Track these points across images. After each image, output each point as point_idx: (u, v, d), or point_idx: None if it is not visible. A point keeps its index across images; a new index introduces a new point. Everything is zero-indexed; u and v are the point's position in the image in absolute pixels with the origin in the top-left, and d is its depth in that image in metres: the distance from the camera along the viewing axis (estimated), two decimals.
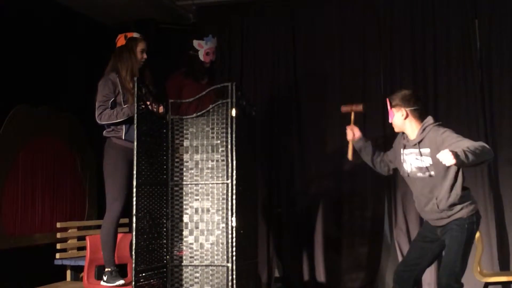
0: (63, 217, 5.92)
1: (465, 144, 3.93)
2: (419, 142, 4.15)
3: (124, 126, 4.58)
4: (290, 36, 6.48)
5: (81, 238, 5.71)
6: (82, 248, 5.65)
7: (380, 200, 6.13)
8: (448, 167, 4.01)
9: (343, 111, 4.60)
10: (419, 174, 4.18)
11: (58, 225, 5.67)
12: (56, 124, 5.96)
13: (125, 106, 4.57)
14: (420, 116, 4.24)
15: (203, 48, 5.21)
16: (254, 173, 4.87)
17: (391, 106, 4.27)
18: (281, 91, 6.46)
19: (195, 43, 5.22)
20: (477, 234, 5.17)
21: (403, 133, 4.31)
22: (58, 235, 5.62)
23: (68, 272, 5.64)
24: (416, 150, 4.16)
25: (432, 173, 4.11)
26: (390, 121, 4.33)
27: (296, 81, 6.43)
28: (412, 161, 4.20)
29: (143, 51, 4.76)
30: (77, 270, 5.61)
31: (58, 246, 5.59)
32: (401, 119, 4.23)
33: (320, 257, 6.13)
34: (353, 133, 4.51)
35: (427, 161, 4.12)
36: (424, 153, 4.12)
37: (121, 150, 4.58)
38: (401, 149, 4.29)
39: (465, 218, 4.08)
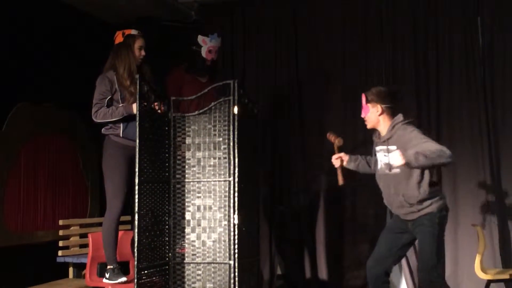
0: (65, 214, 5.92)
1: (429, 146, 4.02)
2: (388, 139, 4.22)
3: (122, 123, 4.58)
4: (292, 34, 6.47)
5: (83, 236, 5.71)
6: (84, 246, 5.65)
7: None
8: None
9: (328, 137, 4.61)
10: (387, 171, 4.25)
11: (61, 222, 5.67)
12: (58, 122, 5.96)
13: (121, 105, 4.56)
14: (393, 114, 4.30)
15: (206, 45, 5.20)
16: (256, 171, 4.86)
17: (367, 101, 4.31)
18: (283, 89, 6.46)
19: (200, 38, 5.21)
20: (479, 231, 5.18)
21: (375, 130, 4.36)
22: (61, 232, 5.62)
23: (70, 270, 5.64)
24: (385, 147, 4.24)
25: (398, 170, 4.17)
26: (363, 115, 4.36)
27: (298, 78, 6.43)
28: (381, 157, 4.29)
29: (141, 48, 4.73)
30: (79, 268, 5.62)
31: (61, 243, 5.60)
32: (375, 115, 4.29)
33: (322, 254, 6.13)
34: (340, 159, 4.52)
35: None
36: (391, 150, 4.18)
37: (119, 147, 4.58)
38: (374, 146, 4.37)
39: (435, 213, 4.14)
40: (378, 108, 4.26)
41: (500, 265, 5.64)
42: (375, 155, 4.39)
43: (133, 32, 4.78)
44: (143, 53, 4.74)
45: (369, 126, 4.38)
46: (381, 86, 4.49)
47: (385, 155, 4.25)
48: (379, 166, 4.32)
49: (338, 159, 4.51)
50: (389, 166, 4.20)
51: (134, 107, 4.37)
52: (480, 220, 5.64)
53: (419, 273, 4.28)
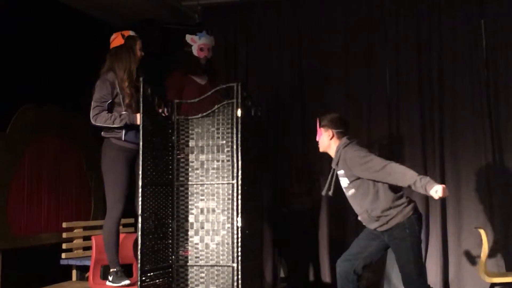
0: (69, 217, 5.92)
1: (374, 165, 4.16)
2: (336, 164, 4.38)
3: (124, 128, 4.53)
4: (296, 35, 6.47)
5: (87, 238, 5.71)
6: (88, 248, 5.66)
7: None
8: (364, 185, 4.22)
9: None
10: (347, 193, 4.39)
11: (64, 225, 5.68)
12: (62, 124, 5.96)
13: (124, 113, 4.50)
14: (341, 138, 4.43)
15: (196, 43, 5.20)
16: (259, 173, 4.86)
17: (320, 126, 4.48)
18: (286, 91, 6.46)
19: (188, 37, 5.21)
20: (483, 234, 5.17)
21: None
22: (64, 235, 5.63)
23: (74, 272, 5.65)
24: (338, 171, 4.41)
25: (352, 191, 4.31)
26: (317, 139, 4.53)
27: (301, 80, 6.43)
28: (340, 180, 4.44)
29: (141, 49, 4.72)
30: (83, 270, 5.62)
31: (64, 246, 5.60)
32: (327, 139, 4.45)
33: (325, 257, 6.13)
34: None
35: (345, 182, 4.34)
36: (341, 174, 4.37)
37: (120, 150, 4.56)
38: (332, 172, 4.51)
39: (403, 222, 4.18)
40: (330, 132, 4.43)
41: (504, 268, 5.62)
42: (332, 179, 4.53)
43: (132, 33, 4.75)
44: (142, 53, 4.72)
45: (321, 149, 4.55)
46: (333, 112, 4.63)
47: (340, 179, 4.41)
48: (343, 189, 4.45)
49: None
50: (346, 189, 4.36)
51: (139, 118, 4.34)
52: (484, 223, 5.62)
53: (404, 286, 4.29)
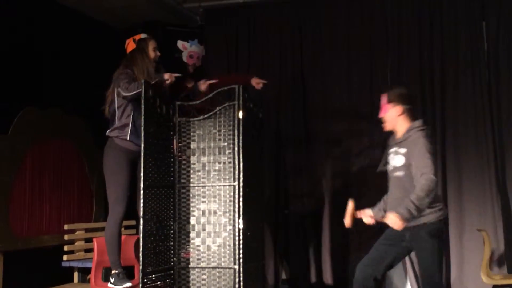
0: (71, 219, 5.93)
1: (426, 164, 3.98)
2: (401, 142, 4.21)
3: (130, 126, 4.56)
4: (297, 36, 6.48)
5: (89, 240, 5.72)
6: (90, 250, 5.66)
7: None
8: (410, 171, 4.07)
9: (350, 224, 4.49)
10: (394, 173, 4.24)
11: (66, 227, 5.68)
12: (64, 126, 5.97)
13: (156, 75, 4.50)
14: (411, 116, 4.28)
15: (186, 50, 5.21)
16: (261, 175, 4.87)
17: (388, 101, 4.30)
18: (288, 91, 6.46)
19: (179, 43, 5.21)
20: (485, 236, 5.17)
21: (391, 133, 4.36)
22: (66, 237, 5.64)
23: (76, 274, 5.65)
24: (395, 148, 4.24)
25: (401, 173, 4.16)
26: (381, 115, 4.35)
27: (303, 81, 6.43)
28: (391, 158, 4.27)
29: (155, 49, 4.71)
30: (85, 272, 5.62)
31: (66, 248, 5.60)
32: (395, 115, 4.27)
33: (328, 259, 6.12)
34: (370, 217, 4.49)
35: (400, 161, 4.17)
36: (400, 152, 4.18)
37: (123, 151, 4.56)
38: (388, 149, 4.37)
39: (433, 223, 4.10)
40: (399, 108, 4.25)
41: (506, 270, 5.62)
42: (387, 157, 4.36)
43: (143, 35, 4.77)
44: (158, 53, 4.72)
45: (388, 127, 4.35)
46: (401, 87, 4.45)
47: (394, 156, 4.24)
48: (389, 168, 4.31)
49: (368, 218, 4.48)
50: (396, 168, 4.19)
51: (166, 76, 4.45)
52: (486, 225, 5.62)
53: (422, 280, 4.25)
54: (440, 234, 4.15)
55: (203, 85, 4.97)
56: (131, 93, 4.45)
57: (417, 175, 4.01)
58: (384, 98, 4.33)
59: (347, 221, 4.38)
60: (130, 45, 4.72)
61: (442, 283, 4.19)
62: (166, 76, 4.54)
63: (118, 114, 4.59)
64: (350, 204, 4.38)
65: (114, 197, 4.52)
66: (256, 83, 5.27)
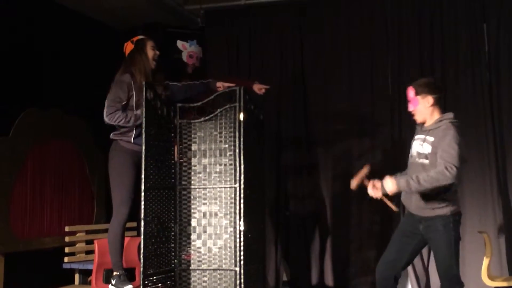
0: (72, 220, 5.94)
1: (451, 156, 3.98)
2: (430, 130, 4.17)
3: (135, 130, 4.54)
4: (298, 37, 6.48)
5: (90, 242, 5.72)
6: (91, 252, 5.66)
7: None
8: (435, 161, 4.04)
9: (355, 187, 4.47)
10: (417, 160, 4.20)
11: (67, 228, 5.68)
12: (65, 127, 5.98)
13: (138, 115, 4.47)
14: (441, 106, 4.25)
15: (186, 49, 5.21)
16: (262, 177, 4.86)
17: (416, 94, 4.23)
18: (289, 92, 6.46)
19: (179, 43, 5.21)
20: (486, 238, 5.16)
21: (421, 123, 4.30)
22: (67, 238, 5.63)
23: (77, 276, 5.65)
24: (423, 136, 4.19)
25: (427, 161, 4.12)
26: (411, 109, 4.28)
27: (303, 82, 6.43)
28: (416, 145, 4.23)
29: (154, 48, 4.71)
30: (86, 274, 5.62)
31: (67, 249, 5.60)
32: (426, 106, 4.21)
33: (328, 261, 6.12)
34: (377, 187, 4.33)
35: (427, 148, 4.14)
36: (428, 140, 4.14)
37: (128, 153, 4.55)
38: (414, 135, 4.32)
39: (449, 216, 4.08)
40: (429, 99, 4.20)
41: (507, 272, 5.61)
42: (412, 143, 4.32)
43: (141, 36, 4.77)
44: (157, 52, 4.71)
45: (419, 119, 4.28)
46: (427, 77, 4.41)
47: (420, 144, 4.20)
48: (410, 153, 4.28)
49: (375, 190, 4.33)
50: (421, 156, 4.16)
51: (218, 84, 4.60)
52: (487, 227, 5.61)
53: (440, 282, 4.18)
54: (457, 227, 4.11)
55: (220, 85, 4.94)
56: (110, 123, 4.52)
57: (441, 164, 3.98)
58: (411, 91, 4.27)
59: (353, 184, 4.39)
60: (129, 47, 4.73)
61: (459, 276, 4.11)
62: (218, 84, 4.63)
63: None
64: (364, 169, 4.38)
65: (119, 199, 4.50)
66: (259, 88, 5.27)
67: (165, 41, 6.70)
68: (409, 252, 4.28)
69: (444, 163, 3.97)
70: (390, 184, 4.03)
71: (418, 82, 4.28)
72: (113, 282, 4.52)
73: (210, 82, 4.92)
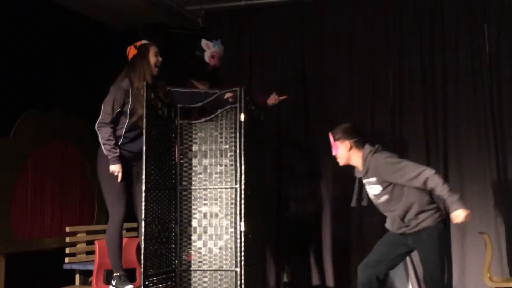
0: (72, 221, 5.94)
1: (409, 172, 4.13)
2: (366, 173, 4.33)
3: (122, 138, 4.53)
4: (299, 39, 6.47)
5: (90, 243, 5.72)
6: (91, 253, 5.66)
7: None
8: (398, 190, 4.21)
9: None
10: (378, 201, 4.35)
11: (67, 229, 5.68)
12: (66, 129, 5.98)
13: (114, 154, 4.44)
14: (361, 146, 4.40)
15: (209, 49, 5.19)
16: (262, 178, 4.86)
17: (335, 140, 4.44)
18: (290, 94, 6.44)
19: (203, 42, 5.19)
20: (487, 239, 5.16)
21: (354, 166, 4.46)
22: (67, 239, 5.63)
23: (77, 277, 5.64)
24: (366, 180, 4.36)
25: (386, 197, 4.27)
26: (334, 153, 4.48)
27: (304, 84, 6.43)
28: (369, 190, 4.40)
29: (157, 54, 4.67)
30: (86, 275, 5.62)
31: (67, 250, 5.60)
32: (345, 151, 4.39)
33: (329, 261, 6.12)
34: None
35: (377, 189, 4.29)
36: (372, 182, 4.31)
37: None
38: (357, 181, 4.49)
39: (433, 226, 4.19)
40: (347, 144, 4.38)
41: (508, 273, 5.60)
42: (357, 189, 4.51)
43: (144, 42, 4.74)
44: (159, 58, 4.67)
45: (341, 163, 4.48)
46: (345, 123, 4.57)
47: (370, 188, 4.37)
48: (371, 197, 4.42)
49: None
50: (378, 196, 4.32)
51: (113, 168, 4.41)
52: (488, 228, 5.61)
53: (426, 285, 4.32)
54: (442, 235, 4.26)
55: (228, 97, 4.84)
56: (97, 131, 4.51)
57: (417, 182, 4.11)
58: (331, 137, 4.46)
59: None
60: (131, 52, 4.70)
61: (444, 282, 4.28)
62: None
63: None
64: None
65: (111, 200, 4.52)
66: (275, 99, 5.28)
67: (166, 42, 6.72)
68: (393, 257, 4.38)
69: (424, 179, 4.10)
70: (460, 213, 4.04)
71: (337, 129, 4.47)
72: (114, 283, 4.53)
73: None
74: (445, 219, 4.30)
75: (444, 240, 4.30)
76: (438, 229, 4.20)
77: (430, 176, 4.08)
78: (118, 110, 4.50)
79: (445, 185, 4.06)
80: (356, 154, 4.37)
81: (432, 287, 4.21)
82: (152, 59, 4.65)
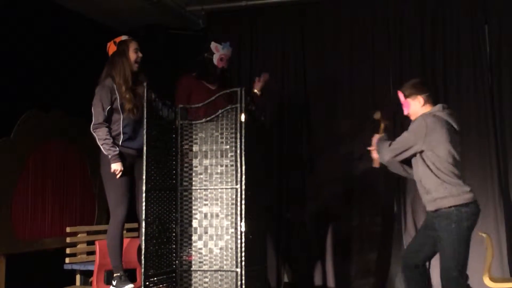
0: (73, 221, 5.93)
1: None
2: None
3: (122, 135, 4.56)
4: (299, 39, 6.48)
5: (91, 243, 5.72)
6: (92, 253, 5.66)
7: (390, 205, 6.10)
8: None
9: (376, 117, 4.64)
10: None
11: (68, 229, 5.68)
12: (67, 129, 5.98)
13: (113, 153, 4.47)
14: (433, 102, 4.30)
15: (218, 52, 5.20)
16: (263, 178, 4.86)
17: (406, 97, 4.29)
18: (290, 94, 6.47)
19: (213, 45, 5.20)
20: (487, 240, 5.15)
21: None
22: (68, 239, 5.63)
23: (78, 277, 5.64)
24: None
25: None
26: (406, 112, 4.34)
27: (305, 83, 6.43)
28: None
29: (137, 50, 4.68)
30: (87, 275, 5.62)
31: (68, 250, 5.60)
32: (418, 106, 4.26)
33: (330, 262, 6.12)
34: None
35: None
36: None
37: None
38: None
39: (451, 210, 4.00)
40: (420, 99, 4.25)
41: (508, 273, 5.60)
42: None
43: (124, 37, 4.74)
44: (140, 54, 4.68)
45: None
46: (412, 79, 4.45)
47: None
48: None
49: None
50: None
51: (114, 166, 4.44)
52: (488, 228, 5.60)
53: (440, 272, 4.14)
54: (461, 221, 3.99)
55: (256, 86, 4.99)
56: (93, 132, 4.58)
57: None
58: (401, 96, 4.32)
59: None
60: (111, 48, 4.72)
61: (463, 280, 4.02)
62: (113, 167, 4.51)
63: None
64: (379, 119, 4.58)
65: (114, 200, 4.53)
66: (259, 83, 5.29)
67: (167, 43, 6.73)
68: (430, 244, 4.23)
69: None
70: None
71: (406, 85, 4.35)
72: (114, 283, 4.53)
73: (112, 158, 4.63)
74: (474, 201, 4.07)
75: (464, 228, 3.99)
76: (458, 214, 3.96)
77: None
78: (108, 107, 4.53)
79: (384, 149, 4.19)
80: (428, 109, 4.23)
81: (445, 273, 4.00)
82: (132, 55, 4.65)
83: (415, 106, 4.27)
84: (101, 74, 4.68)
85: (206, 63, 5.16)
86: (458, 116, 4.33)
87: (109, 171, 4.51)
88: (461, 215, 4.02)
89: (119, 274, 4.52)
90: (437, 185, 4.06)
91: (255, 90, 5.23)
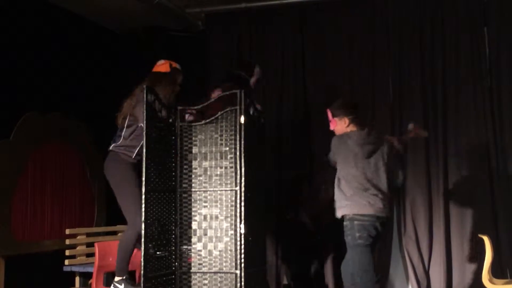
0: (72, 223, 5.93)
1: None
2: None
3: (137, 148, 4.53)
4: (299, 40, 6.48)
5: (90, 245, 5.71)
6: (91, 255, 5.65)
7: (389, 206, 6.08)
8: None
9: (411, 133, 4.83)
10: None
11: (67, 231, 5.68)
12: (66, 131, 5.98)
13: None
14: (359, 124, 4.50)
15: (256, 76, 5.32)
16: (262, 180, 4.86)
17: (333, 116, 4.53)
18: (290, 97, 6.47)
19: (257, 68, 5.34)
20: (486, 241, 5.15)
21: None
22: (67, 241, 5.63)
23: (77, 279, 5.64)
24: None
25: None
26: (332, 129, 4.58)
27: (305, 86, 6.43)
28: None
29: (180, 84, 4.76)
30: (86, 277, 5.61)
31: (67, 252, 5.59)
32: (344, 126, 4.51)
33: (329, 264, 6.11)
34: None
35: None
36: None
37: (128, 164, 4.56)
38: None
39: (343, 220, 4.44)
40: (345, 120, 4.47)
41: (508, 275, 5.60)
42: None
43: (179, 67, 4.81)
44: (179, 88, 4.75)
45: None
46: (342, 99, 4.72)
47: None
48: None
49: None
50: None
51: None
52: (488, 230, 5.60)
53: None
54: (348, 232, 4.40)
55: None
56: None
57: None
58: (329, 114, 4.54)
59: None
60: (164, 67, 4.74)
61: (355, 281, 4.28)
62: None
63: (126, 133, 4.59)
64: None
65: (134, 209, 4.39)
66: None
67: (167, 44, 6.73)
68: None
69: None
70: None
71: (335, 104, 4.56)
72: (122, 286, 4.49)
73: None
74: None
75: (354, 236, 4.38)
76: (346, 225, 4.36)
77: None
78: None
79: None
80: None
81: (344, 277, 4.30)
82: (177, 87, 4.71)
83: (340, 126, 4.54)
84: (140, 84, 4.61)
85: (242, 80, 5.18)
86: (377, 142, 4.55)
87: (123, 179, 4.49)
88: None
89: (124, 277, 4.49)
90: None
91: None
